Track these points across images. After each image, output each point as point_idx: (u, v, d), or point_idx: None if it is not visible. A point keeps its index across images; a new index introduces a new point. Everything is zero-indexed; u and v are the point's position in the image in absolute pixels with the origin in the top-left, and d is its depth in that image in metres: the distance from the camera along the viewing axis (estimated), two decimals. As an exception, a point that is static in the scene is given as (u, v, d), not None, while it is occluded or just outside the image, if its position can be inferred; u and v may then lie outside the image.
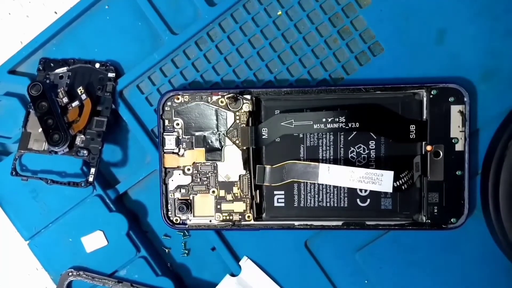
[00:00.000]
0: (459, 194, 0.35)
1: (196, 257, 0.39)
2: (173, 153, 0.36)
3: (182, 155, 0.36)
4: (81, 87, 0.36)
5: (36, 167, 0.38)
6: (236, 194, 0.36)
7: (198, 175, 0.37)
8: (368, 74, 0.36)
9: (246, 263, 0.38)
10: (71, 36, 0.38)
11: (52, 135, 0.35)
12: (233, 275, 0.38)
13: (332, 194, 0.36)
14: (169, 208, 0.37)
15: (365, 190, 0.36)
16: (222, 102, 0.36)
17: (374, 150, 0.35)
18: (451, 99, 0.34)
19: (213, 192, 0.37)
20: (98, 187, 0.38)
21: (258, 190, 0.36)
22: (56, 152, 0.36)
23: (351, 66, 0.37)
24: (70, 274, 0.38)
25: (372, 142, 0.35)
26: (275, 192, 0.36)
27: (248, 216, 0.36)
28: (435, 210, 0.35)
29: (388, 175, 0.34)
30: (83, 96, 0.36)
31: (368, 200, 0.36)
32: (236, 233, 0.38)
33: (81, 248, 0.38)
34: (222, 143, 0.36)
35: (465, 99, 0.34)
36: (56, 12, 0.39)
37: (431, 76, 0.36)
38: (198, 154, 0.36)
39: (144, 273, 0.38)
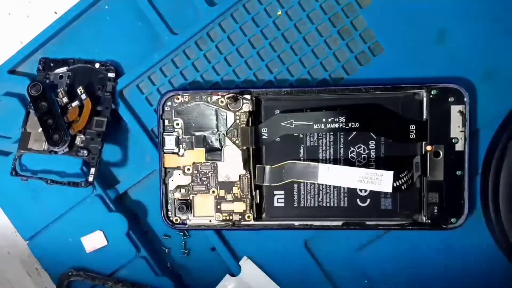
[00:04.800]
0: (459, 194, 0.35)
1: (196, 257, 0.39)
2: (173, 153, 0.36)
3: (182, 155, 0.36)
4: (81, 87, 0.36)
5: (36, 167, 0.38)
6: (236, 194, 0.36)
7: (198, 175, 0.37)
8: (368, 74, 0.36)
9: (246, 263, 0.38)
10: (71, 36, 0.38)
11: (52, 135, 0.35)
12: (233, 275, 0.38)
13: (332, 194, 0.36)
14: (169, 208, 0.37)
15: (365, 190, 0.36)
16: (222, 102, 0.36)
17: (374, 150, 0.35)
18: (451, 99, 0.34)
19: (213, 192, 0.37)
20: (98, 187, 0.38)
21: (258, 190, 0.36)
22: (56, 152, 0.36)
23: (351, 66, 0.37)
24: (70, 274, 0.38)
25: (372, 142, 0.35)
26: (275, 192, 0.36)
27: (248, 216, 0.36)
28: (435, 210, 0.35)
29: (388, 175, 0.34)
30: (83, 96, 0.36)
31: (368, 200, 0.36)
32: (236, 233, 0.38)
33: (81, 248, 0.38)
34: (222, 143, 0.36)
35: (465, 99, 0.34)
36: (56, 12, 0.39)
37: (431, 76, 0.36)
38: (198, 154, 0.36)
39: (144, 273, 0.38)
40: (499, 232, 0.35)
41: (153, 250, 0.39)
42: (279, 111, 0.36)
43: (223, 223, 0.37)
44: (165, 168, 0.37)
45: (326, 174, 0.34)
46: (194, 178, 0.37)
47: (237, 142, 0.36)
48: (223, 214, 0.37)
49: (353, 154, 0.36)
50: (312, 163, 0.35)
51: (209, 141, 0.36)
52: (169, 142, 0.36)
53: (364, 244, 0.38)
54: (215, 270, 0.39)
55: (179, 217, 0.37)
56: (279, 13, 0.36)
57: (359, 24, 0.36)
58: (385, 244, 0.37)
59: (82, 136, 0.36)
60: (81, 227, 0.38)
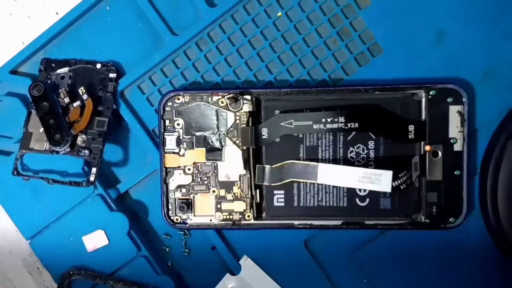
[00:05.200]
0: (457, 194, 0.35)
1: (196, 256, 0.39)
2: (174, 153, 0.37)
3: (183, 155, 0.37)
4: (82, 88, 0.36)
5: (37, 167, 0.38)
6: (236, 194, 0.37)
7: (198, 174, 0.37)
8: (367, 75, 0.36)
9: (246, 262, 0.38)
10: (72, 37, 0.38)
11: (53, 135, 0.35)
12: (233, 274, 0.39)
13: (331, 194, 0.36)
14: (169, 207, 0.37)
15: (364, 190, 0.36)
16: (222, 102, 0.36)
17: (373, 150, 0.36)
18: (449, 99, 0.35)
19: (214, 191, 0.37)
20: (99, 186, 0.38)
21: (258, 190, 0.36)
22: (57, 152, 0.36)
23: (350, 66, 0.37)
24: (71, 273, 0.39)
25: (371, 142, 0.36)
26: (275, 192, 0.36)
27: (248, 216, 0.37)
28: (434, 210, 0.35)
29: (387, 175, 0.34)
30: (85, 96, 0.36)
31: (367, 199, 0.36)
32: (236, 233, 0.38)
33: (82, 247, 0.39)
34: (223, 143, 0.36)
35: (464, 99, 0.35)
36: (57, 13, 0.40)
37: (429, 77, 0.36)
38: (198, 154, 0.37)
39: (144, 272, 0.38)
40: (498, 232, 0.36)
41: (153, 249, 0.39)
42: (279, 111, 0.36)
43: (224, 222, 0.37)
44: (166, 168, 0.37)
45: (325, 174, 0.35)
46: (194, 177, 0.37)
47: (237, 142, 0.36)
48: (224, 214, 0.37)
49: (353, 154, 0.36)
50: (311, 163, 0.35)
51: (210, 141, 0.37)
52: (170, 142, 0.37)
53: (364, 244, 0.38)
54: (215, 269, 0.39)
55: (180, 217, 0.37)
56: (279, 14, 0.37)
57: (358, 25, 0.36)
58: (384, 243, 0.37)
59: (84, 136, 0.37)
60: (82, 226, 0.39)
